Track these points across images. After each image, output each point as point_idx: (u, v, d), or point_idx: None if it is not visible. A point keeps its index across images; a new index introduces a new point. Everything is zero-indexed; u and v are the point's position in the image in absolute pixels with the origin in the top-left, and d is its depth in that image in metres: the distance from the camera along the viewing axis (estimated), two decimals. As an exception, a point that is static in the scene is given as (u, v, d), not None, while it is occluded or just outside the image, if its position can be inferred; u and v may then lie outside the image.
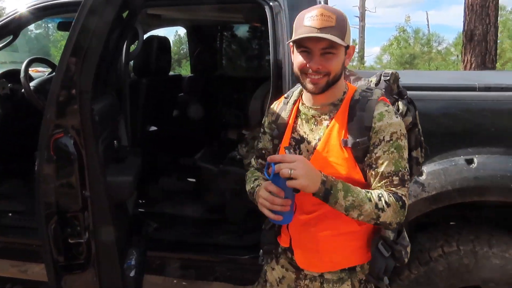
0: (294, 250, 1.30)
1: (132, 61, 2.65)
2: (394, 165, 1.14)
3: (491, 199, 1.65)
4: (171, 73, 3.16)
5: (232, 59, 4.11)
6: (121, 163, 1.72)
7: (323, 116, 1.20)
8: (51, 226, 1.38)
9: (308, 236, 1.24)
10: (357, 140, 1.14)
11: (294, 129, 1.26)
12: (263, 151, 1.37)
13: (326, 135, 1.18)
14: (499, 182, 1.60)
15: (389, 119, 1.14)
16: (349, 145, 1.15)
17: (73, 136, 1.37)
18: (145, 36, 2.66)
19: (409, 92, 1.72)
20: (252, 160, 1.45)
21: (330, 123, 1.19)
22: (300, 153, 1.23)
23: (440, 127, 1.68)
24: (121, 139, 1.96)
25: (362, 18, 20.64)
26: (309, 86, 1.13)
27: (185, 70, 13.65)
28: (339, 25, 1.09)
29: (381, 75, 1.34)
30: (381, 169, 1.14)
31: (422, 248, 1.79)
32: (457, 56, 11.46)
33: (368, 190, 1.14)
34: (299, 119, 1.25)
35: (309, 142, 1.22)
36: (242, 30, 3.93)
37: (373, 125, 1.14)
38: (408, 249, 1.32)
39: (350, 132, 1.16)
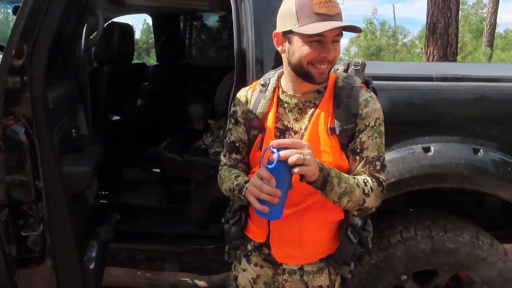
0: (271, 245, 1.25)
1: (93, 49, 2.56)
2: (377, 150, 1.17)
3: (446, 186, 1.70)
4: (136, 61, 3.07)
5: (198, 47, 4.04)
6: (79, 153, 1.65)
7: (308, 104, 1.18)
8: (2, 218, 1.31)
9: (291, 229, 1.21)
10: (345, 127, 1.14)
11: (277, 119, 1.20)
12: (237, 144, 1.28)
13: (312, 123, 1.15)
14: (453, 169, 1.66)
15: (373, 105, 1.17)
16: (337, 132, 1.14)
17: (25, 124, 1.30)
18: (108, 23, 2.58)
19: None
20: (222, 157, 1.33)
21: (315, 110, 1.16)
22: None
23: (399, 116, 1.72)
24: (80, 128, 1.89)
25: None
26: (317, 76, 1.09)
27: (154, 59, 13.36)
28: (340, 10, 1.08)
29: (349, 64, 1.36)
30: (366, 154, 1.16)
31: (382, 235, 1.84)
32: (421, 48, 11.79)
33: (354, 176, 1.15)
34: (281, 108, 1.21)
35: (294, 132, 1.19)
36: (208, 18, 3.87)
37: (360, 111, 1.15)
38: (371, 235, 1.35)
39: (337, 119, 1.14)
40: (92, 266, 1.59)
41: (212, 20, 3.89)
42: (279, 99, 1.21)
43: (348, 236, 1.24)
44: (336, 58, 1.10)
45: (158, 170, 2.73)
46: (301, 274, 1.28)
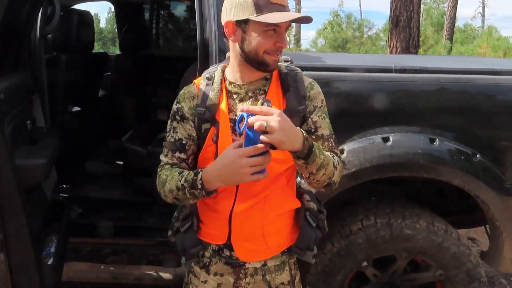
0: (234, 244, 1.22)
1: (50, 36, 2.45)
2: (329, 128, 1.24)
3: (404, 174, 1.77)
4: (97, 51, 2.97)
5: (163, 37, 3.95)
6: (35, 145, 1.59)
7: (258, 91, 1.20)
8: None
9: (253, 223, 1.19)
10: (298, 108, 1.19)
11: (229, 110, 1.19)
12: (184, 142, 1.22)
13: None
14: (411, 158, 1.72)
15: (317, 88, 1.25)
16: (290, 114, 1.15)
17: (-29, 115, 1.23)
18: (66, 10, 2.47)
19: (332, 73, 1.80)
20: (162, 157, 1.25)
21: (266, 96, 1.19)
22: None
23: (360, 106, 1.76)
24: (36, 119, 1.81)
25: (298, 1, 20.93)
26: (272, 63, 1.13)
27: (118, 48, 12.95)
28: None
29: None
30: (321, 132, 1.22)
31: (343, 223, 1.89)
32: (386, 41, 12.07)
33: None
34: (231, 100, 1.21)
35: None
36: (172, 7, 3.79)
37: (307, 93, 1.22)
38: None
39: (289, 102, 1.19)
40: (50, 261, 1.54)
41: (176, 9, 3.81)
42: (227, 91, 1.21)
43: (308, 221, 1.27)
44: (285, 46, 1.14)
45: (121, 163, 2.67)
46: (263, 274, 1.27)
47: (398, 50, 6.45)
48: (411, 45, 6.47)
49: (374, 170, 1.72)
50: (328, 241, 1.85)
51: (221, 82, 1.22)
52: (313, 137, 1.20)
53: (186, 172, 1.14)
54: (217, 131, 1.18)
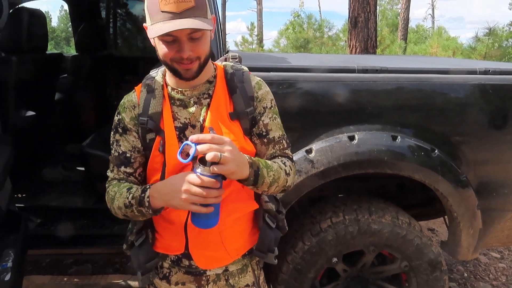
0: (192, 253, 1.18)
1: (-2, 37, 2.30)
2: (280, 129, 1.21)
3: (369, 171, 1.81)
4: (52, 51, 2.82)
5: (121, 37, 3.83)
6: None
7: (202, 96, 1.14)
8: None
9: (210, 229, 1.11)
10: (246, 110, 1.14)
11: (173, 118, 1.13)
12: (128, 155, 1.15)
13: (211, 112, 1.12)
14: (375, 155, 1.76)
15: (265, 88, 1.20)
16: (238, 116, 1.13)
17: None
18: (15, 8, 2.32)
19: (297, 74, 1.81)
20: (109, 172, 1.19)
21: (211, 100, 1.13)
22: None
23: (325, 106, 1.79)
24: (-14, 126, 1.69)
25: (259, 1, 21.04)
26: (183, 72, 1.05)
27: (73, 49, 12.44)
28: (199, 2, 1.00)
29: (226, 58, 1.41)
30: (272, 135, 1.18)
31: (313, 221, 1.92)
32: (345, 41, 12.38)
33: (274, 160, 1.15)
34: (174, 107, 1.14)
35: (193, 126, 1.14)
36: (130, 6, 3.68)
37: (255, 94, 1.17)
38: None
39: (236, 104, 1.14)
40: (7, 277, 1.44)
41: (135, 7, 3.70)
42: (170, 97, 1.14)
43: (267, 223, 1.24)
44: (201, 55, 1.04)
45: (82, 169, 2.55)
46: (226, 278, 1.24)
47: (358, 50, 6.64)
48: (369, 45, 6.67)
49: (341, 168, 1.75)
50: (299, 239, 1.87)
51: (162, 88, 1.15)
52: (265, 140, 1.18)
53: (134, 188, 1.09)
54: (162, 140, 1.12)
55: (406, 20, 12.52)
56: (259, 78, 1.22)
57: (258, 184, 1.05)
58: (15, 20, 2.15)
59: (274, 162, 1.14)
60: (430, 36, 13.38)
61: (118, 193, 1.10)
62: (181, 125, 1.14)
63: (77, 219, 2.16)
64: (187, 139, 1.10)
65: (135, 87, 1.20)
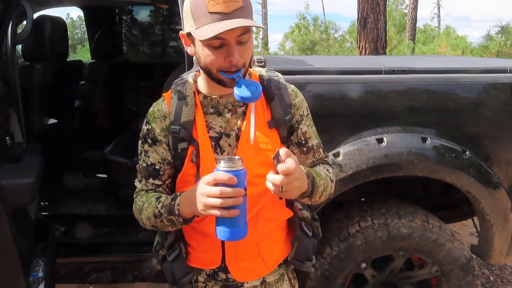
0: (229, 266, 1.14)
1: (20, 45, 2.30)
2: (316, 137, 1.19)
3: (399, 174, 1.78)
4: (71, 58, 2.83)
5: (138, 43, 3.84)
6: (17, 163, 1.47)
7: (236, 103, 1.08)
8: None
9: (247, 240, 1.07)
10: (285, 117, 1.10)
11: (207, 127, 1.08)
12: (157, 167, 1.10)
13: (248, 121, 1.05)
14: (405, 158, 1.73)
15: (300, 95, 1.17)
16: (277, 124, 1.09)
17: None
18: (35, 16, 2.33)
19: (320, 77, 1.79)
20: (137, 183, 1.15)
21: (246, 108, 1.08)
22: (222, 151, 1.09)
23: (352, 109, 1.76)
24: (14, 135, 1.69)
25: (264, 5, 21.09)
26: (229, 82, 0.98)
27: (81, 56, 12.54)
28: (246, 2, 0.94)
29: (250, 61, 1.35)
30: (311, 143, 1.16)
31: (340, 226, 1.88)
32: (351, 43, 12.32)
33: (318, 168, 1.12)
34: (208, 115, 1.09)
35: (228, 136, 1.08)
36: (148, 13, 3.68)
37: (293, 101, 1.13)
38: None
39: (274, 112, 1.10)
40: (41, 287, 1.43)
41: (151, 13, 3.71)
42: (203, 105, 1.09)
43: (304, 231, 1.21)
44: (246, 62, 0.98)
45: (103, 176, 2.54)
46: None
47: (367, 51, 6.60)
48: (379, 45, 6.63)
49: (370, 171, 1.72)
50: (327, 244, 1.84)
51: (194, 95, 1.09)
52: (304, 149, 1.15)
53: (163, 197, 1.05)
54: (196, 150, 1.06)
55: (414, 20, 12.43)
56: (293, 85, 1.18)
57: (313, 195, 1.02)
58: (37, 28, 2.16)
59: (319, 169, 1.11)
60: (438, 35, 13.29)
61: (147, 203, 1.07)
62: (216, 135, 1.09)
63: (100, 227, 2.15)
64: (221, 149, 1.08)
65: (164, 94, 1.14)
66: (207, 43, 0.94)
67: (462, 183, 1.78)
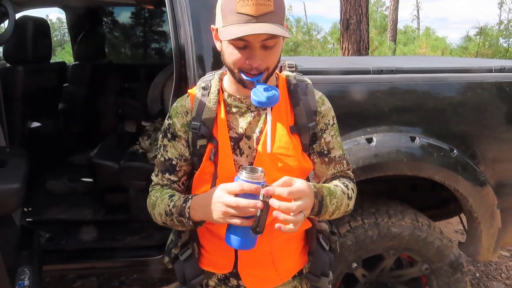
0: (241, 273, 1.11)
1: (2, 47, 2.24)
2: (341, 148, 1.15)
3: (388, 173, 1.79)
4: (54, 60, 2.76)
5: (122, 45, 3.78)
6: (1, 168, 1.41)
7: None
8: None
9: (261, 248, 1.05)
10: (308, 124, 1.07)
11: (228, 127, 1.06)
12: (174, 162, 1.10)
13: (271, 125, 1.03)
14: (394, 157, 1.74)
15: (328, 103, 1.14)
16: (299, 131, 1.06)
17: None
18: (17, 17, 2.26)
19: (310, 77, 1.78)
20: (153, 177, 1.14)
21: (270, 111, 1.05)
22: (241, 152, 1.06)
23: (341, 109, 1.75)
24: (-3, 139, 1.63)
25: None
26: (248, 84, 0.98)
27: (60, 58, 12.29)
28: (278, 7, 0.91)
29: (281, 66, 1.32)
30: (334, 154, 1.12)
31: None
32: (333, 44, 12.42)
33: (336, 183, 1.09)
34: (230, 115, 1.07)
35: (249, 138, 1.06)
36: (132, 13, 3.63)
37: (318, 109, 1.10)
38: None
39: (298, 118, 1.07)
40: (27, 296, 1.38)
41: (136, 13, 3.66)
42: (226, 104, 1.08)
43: (321, 244, 1.17)
44: (270, 66, 0.97)
45: (88, 180, 2.49)
46: None
47: (350, 52, 6.67)
48: (362, 47, 6.71)
49: (361, 171, 1.73)
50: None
51: (218, 93, 1.08)
52: (326, 159, 1.12)
53: (176, 196, 1.04)
54: (214, 149, 1.04)
55: (395, 21, 12.64)
56: (321, 93, 1.14)
57: (321, 214, 1.00)
58: (19, 30, 2.10)
59: (337, 186, 1.07)
60: (418, 37, 13.53)
61: (160, 199, 1.06)
62: (236, 136, 1.06)
63: (87, 232, 2.10)
64: (241, 151, 1.06)
65: (188, 90, 1.14)
66: (232, 42, 0.93)
67: (450, 181, 1.80)
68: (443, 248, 1.88)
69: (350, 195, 1.08)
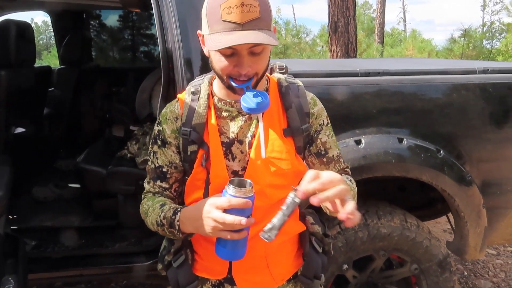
0: (235, 278, 1.10)
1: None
2: (337, 147, 1.15)
3: (377, 175, 1.80)
4: (39, 64, 2.71)
5: (109, 48, 3.74)
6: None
7: None
8: None
9: (256, 253, 1.06)
10: (302, 126, 1.06)
11: (220, 132, 1.05)
12: (165, 169, 1.09)
13: (263, 128, 1.02)
14: (383, 159, 1.75)
15: (320, 104, 1.13)
16: (293, 133, 1.05)
17: None
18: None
19: (301, 79, 1.79)
20: (145, 184, 1.13)
21: (263, 115, 1.04)
22: (234, 157, 1.05)
23: (329, 111, 1.75)
24: (-21, 146, 1.60)
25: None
26: (238, 90, 0.96)
27: (47, 62, 12.14)
28: (264, 12, 0.90)
29: (272, 68, 1.31)
30: (331, 154, 1.12)
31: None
32: (322, 46, 12.50)
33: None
34: (221, 119, 1.06)
35: (241, 142, 1.05)
36: (119, 16, 3.60)
37: (311, 110, 1.10)
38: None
39: (290, 120, 1.06)
40: (12, 306, 1.35)
41: (123, 16, 3.63)
42: (216, 108, 1.06)
43: (314, 247, 1.17)
44: (259, 71, 0.96)
45: (75, 186, 2.45)
46: None
47: (339, 54, 6.71)
48: (350, 49, 6.76)
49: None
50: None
51: (208, 98, 1.06)
52: (324, 159, 1.12)
53: (166, 206, 1.03)
54: (206, 154, 1.03)
55: (382, 24, 12.79)
56: (312, 94, 1.14)
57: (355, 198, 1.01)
58: (2, 33, 2.06)
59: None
60: (405, 39, 13.70)
61: (151, 208, 1.05)
62: (228, 140, 1.05)
63: (74, 239, 2.07)
64: (233, 155, 1.05)
65: (178, 95, 1.12)
66: (218, 50, 0.91)
67: (438, 181, 1.82)
68: (431, 248, 1.90)
69: (355, 190, 1.10)
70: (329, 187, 0.85)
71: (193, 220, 0.95)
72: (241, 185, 0.90)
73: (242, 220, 0.86)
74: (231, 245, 0.92)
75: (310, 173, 0.87)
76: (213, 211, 0.89)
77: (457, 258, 2.85)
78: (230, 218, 0.86)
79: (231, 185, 0.89)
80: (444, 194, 1.88)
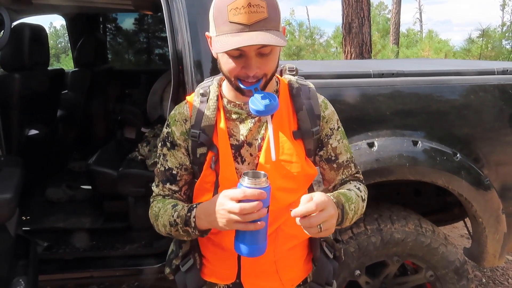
0: (244, 283, 1.09)
1: (-1, 54, 2.23)
2: (348, 151, 1.13)
3: (390, 178, 1.75)
4: (53, 67, 2.75)
5: (122, 51, 3.77)
6: (-5, 177, 1.39)
7: None
8: None
9: (265, 258, 1.02)
10: (312, 129, 1.04)
11: (230, 134, 1.04)
12: (175, 172, 1.07)
13: (273, 131, 1.00)
14: (396, 162, 1.71)
15: (331, 107, 1.11)
16: (303, 136, 1.04)
17: None
18: (14, 24, 2.25)
19: (311, 81, 1.76)
20: (154, 187, 1.12)
21: (271, 119, 1.01)
22: (243, 160, 1.04)
23: (342, 113, 1.71)
24: (-8, 148, 1.61)
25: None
26: (246, 92, 0.95)
27: (65, 65, 12.37)
28: (272, 12, 0.88)
29: (282, 70, 1.30)
30: (341, 159, 1.10)
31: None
32: (336, 48, 12.40)
33: (349, 187, 1.07)
34: (230, 121, 1.04)
35: (250, 145, 1.04)
36: (132, 20, 3.63)
37: (322, 113, 1.08)
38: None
39: (301, 122, 1.04)
40: (21, 308, 1.35)
41: (136, 21, 3.66)
42: (226, 110, 1.05)
43: (325, 252, 1.15)
44: (268, 73, 0.95)
45: (87, 187, 2.47)
46: None
47: (353, 55, 6.63)
48: (364, 50, 6.68)
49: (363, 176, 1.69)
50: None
51: (217, 99, 1.05)
52: (334, 165, 1.10)
53: (180, 206, 1.02)
54: (215, 157, 1.02)
55: (397, 24, 12.61)
56: (323, 97, 1.12)
57: (343, 223, 0.98)
58: (16, 37, 2.09)
59: (350, 190, 1.05)
60: (421, 39, 13.50)
61: (163, 210, 1.03)
62: (237, 143, 1.04)
63: (85, 241, 2.07)
64: (242, 158, 1.04)
65: (187, 97, 1.11)
66: (226, 51, 0.90)
67: (454, 185, 1.76)
68: (448, 254, 1.84)
69: (363, 197, 1.07)
70: (321, 208, 0.86)
71: (208, 215, 0.93)
72: (255, 176, 0.88)
73: (259, 204, 0.84)
74: (249, 239, 0.89)
75: (303, 198, 0.88)
76: (228, 203, 0.87)
77: (474, 264, 2.76)
78: (248, 205, 0.84)
79: (246, 177, 0.87)
80: (461, 198, 1.82)
